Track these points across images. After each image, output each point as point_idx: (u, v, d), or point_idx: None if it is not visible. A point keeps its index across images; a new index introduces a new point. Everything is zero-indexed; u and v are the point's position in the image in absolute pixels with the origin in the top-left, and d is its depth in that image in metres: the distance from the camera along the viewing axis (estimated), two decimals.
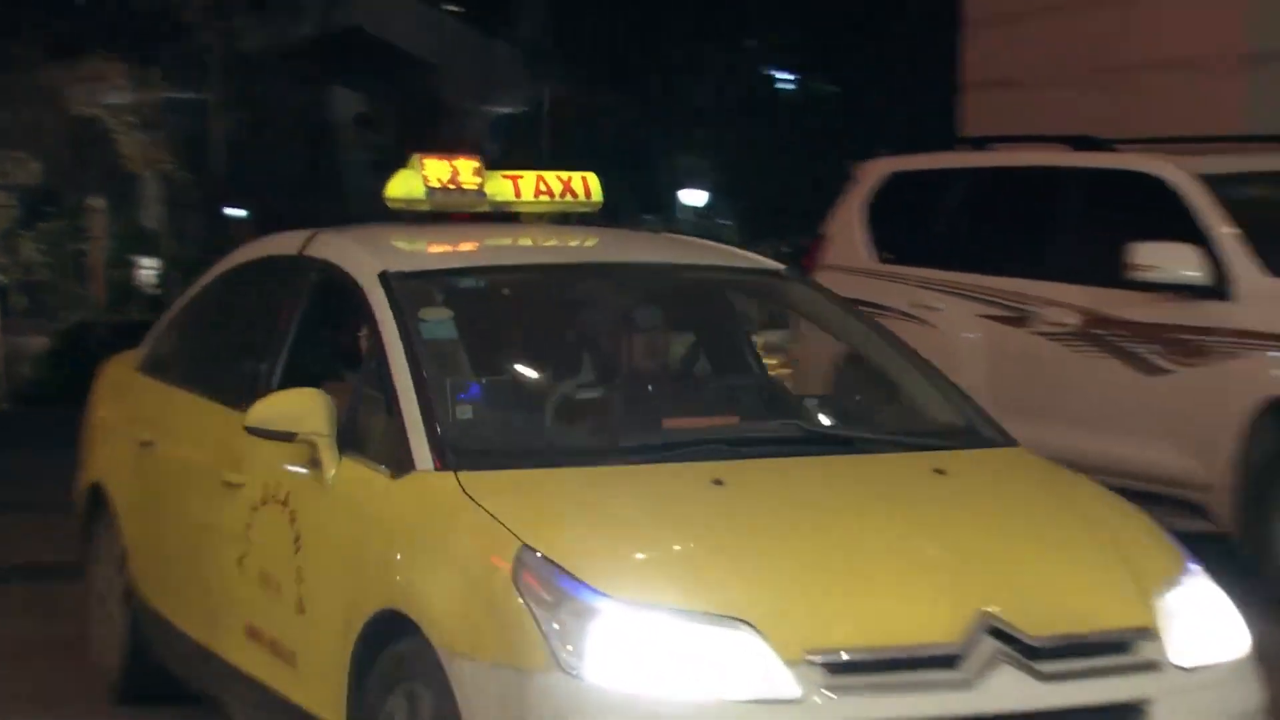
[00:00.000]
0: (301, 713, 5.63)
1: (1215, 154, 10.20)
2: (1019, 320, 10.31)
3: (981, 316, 10.51)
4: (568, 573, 4.78)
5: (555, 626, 4.70)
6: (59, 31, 24.93)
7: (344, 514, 5.59)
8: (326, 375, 6.48)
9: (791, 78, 26.77)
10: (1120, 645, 4.83)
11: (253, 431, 5.78)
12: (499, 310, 6.39)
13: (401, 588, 5.14)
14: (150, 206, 28.32)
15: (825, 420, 6.06)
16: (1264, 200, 9.71)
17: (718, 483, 5.22)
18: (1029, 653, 4.70)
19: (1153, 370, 9.50)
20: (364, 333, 6.34)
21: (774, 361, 7.78)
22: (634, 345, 6.22)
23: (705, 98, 24.23)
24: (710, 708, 4.55)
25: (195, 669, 6.63)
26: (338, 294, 6.44)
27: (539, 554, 4.84)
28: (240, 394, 6.47)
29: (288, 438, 5.73)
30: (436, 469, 5.34)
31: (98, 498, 7.60)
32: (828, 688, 4.58)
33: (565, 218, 7.03)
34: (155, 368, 7.54)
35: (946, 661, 4.66)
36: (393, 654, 5.11)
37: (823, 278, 9.76)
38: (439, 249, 6.57)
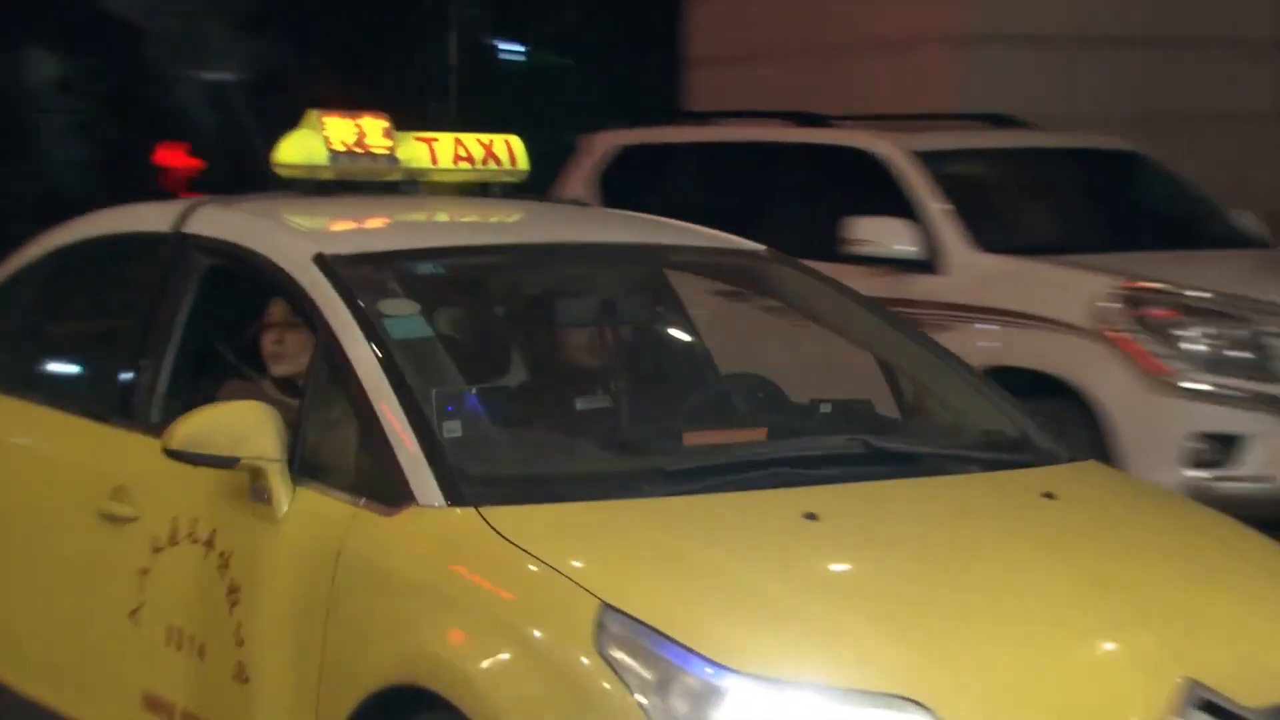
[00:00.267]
0: None
1: (928, 131, 10.26)
2: (741, 295, 9.78)
3: (705, 292, 9.96)
4: (674, 641, 3.66)
5: (660, 711, 3.55)
6: None
7: (308, 560, 4.36)
8: (226, 379, 5.18)
9: (519, 49, 25.62)
10: None
11: (177, 456, 4.48)
12: (467, 302, 5.16)
13: (425, 657, 3.95)
14: None
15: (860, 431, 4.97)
16: (973, 177, 9.83)
17: (811, 517, 4.12)
18: None
19: None
20: (274, 330, 5.08)
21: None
22: (621, 341, 5.06)
23: (425, 68, 22.96)
24: None
25: None
26: (240, 282, 5.16)
27: (630, 617, 3.69)
28: (113, 405, 5.18)
29: (226, 464, 4.44)
30: (448, 504, 4.13)
31: None
32: None
33: (483, 189, 5.81)
34: None
35: None
36: None
37: None
38: (375, 226, 5.31)
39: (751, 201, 10.16)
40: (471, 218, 5.53)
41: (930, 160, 9.48)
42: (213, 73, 23.54)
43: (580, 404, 4.80)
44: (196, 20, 22.94)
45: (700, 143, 11.11)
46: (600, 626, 3.70)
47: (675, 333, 5.49)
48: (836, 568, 4.02)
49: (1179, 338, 8.61)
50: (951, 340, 8.18)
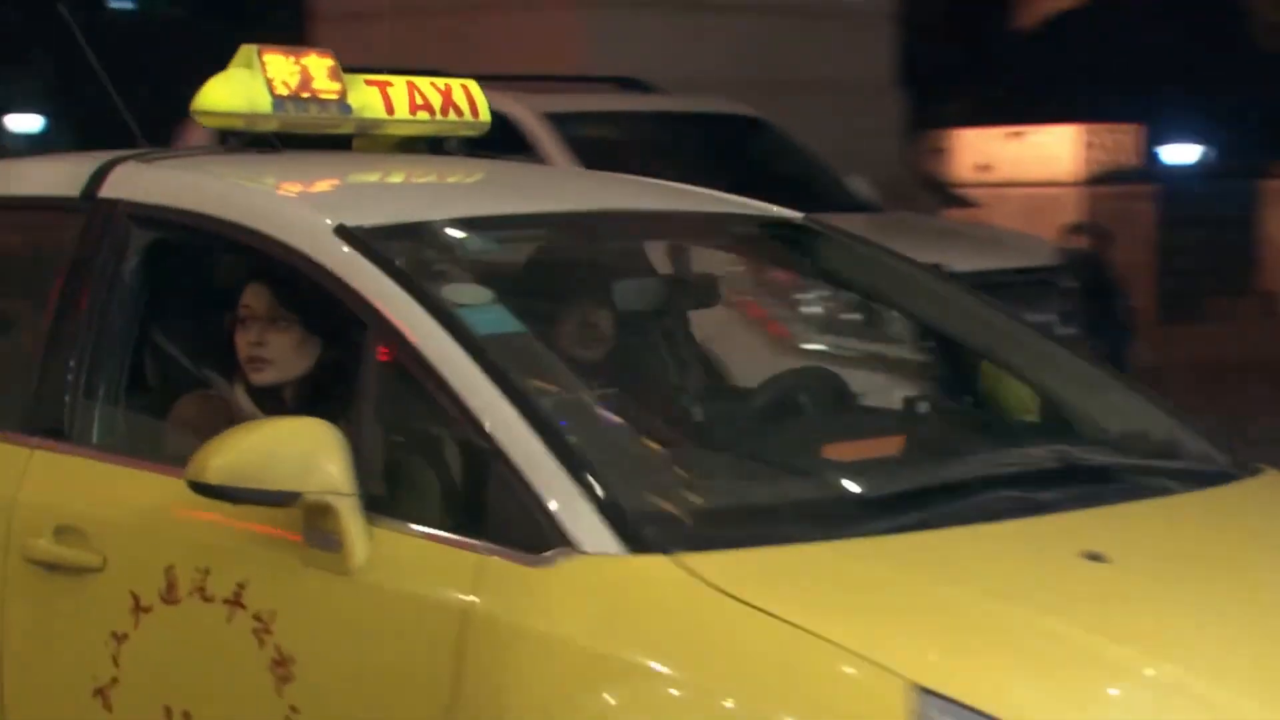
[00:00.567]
0: None
1: (558, 93, 10.25)
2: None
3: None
4: None
5: None
6: None
7: (412, 623, 3.30)
8: (181, 389, 4.02)
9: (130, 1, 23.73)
10: None
11: (214, 493, 3.34)
12: (530, 284, 4.04)
13: None
14: None
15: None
16: (602, 139, 9.78)
17: (1094, 558, 3.21)
18: None
19: None
20: (251, 328, 3.95)
21: None
22: (690, 326, 4.08)
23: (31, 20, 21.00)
24: None
25: None
26: (191, 263, 3.99)
27: (957, 703, 2.74)
28: (21, 418, 3.93)
29: (281, 500, 3.31)
30: (628, 550, 3.11)
31: None
32: None
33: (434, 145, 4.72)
34: None
35: None
36: None
37: None
38: (387, 188, 4.18)
39: None
40: (475, 178, 4.44)
41: (560, 122, 9.42)
42: None
43: (698, 410, 3.78)
44: None
45: None
46: (922, 717, 2.75)
47: (742, 317, 4.48)
48: (1153, 621, 3.13)
49: (798, 301, 8.42)
50: None
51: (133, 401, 3.99)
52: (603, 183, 4.64)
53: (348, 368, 4.03)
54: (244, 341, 4.02)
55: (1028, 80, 24.14)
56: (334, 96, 4.45)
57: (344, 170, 4.35)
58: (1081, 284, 10.09)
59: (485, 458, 3.29)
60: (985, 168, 22.52)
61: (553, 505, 3.18)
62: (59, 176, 4.27)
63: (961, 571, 3.18)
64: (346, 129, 4.52)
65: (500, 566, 3.20)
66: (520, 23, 14.23)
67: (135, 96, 4.72)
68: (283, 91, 4.35)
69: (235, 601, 3.49)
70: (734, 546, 3.15)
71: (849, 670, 2.86)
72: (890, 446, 3.84)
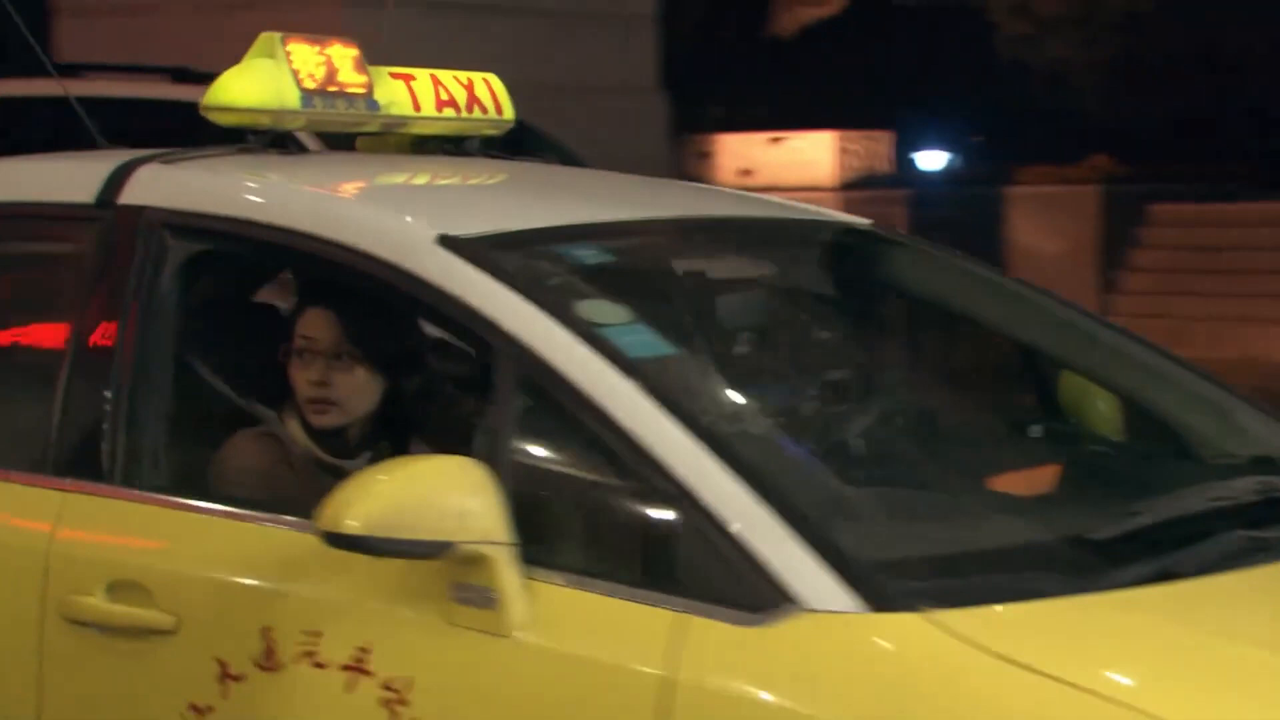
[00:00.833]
0: None
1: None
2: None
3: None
4: None
5: None
6: None
7: (597, 693, 2.81)
8: (230, 418, 3.49)
9: None
10: None
11: (356, 545, 2.82)
12: (657, 298, 3.54)
13: None
14: None
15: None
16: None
17: None
18: None
19: None
20: (313, 363, 3.45)
21: None
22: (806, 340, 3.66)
23: None
24: None
25: None
26: (242, 277, 3.49)
27: None
28: (58, 455, 3.36)
29: (433, 551, 2.81)
30: (871, 607, 2.67)
31: None
32: None
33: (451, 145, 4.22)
34: None
35: None
36: None
37: None
38: (468, 193, 3.67)
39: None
40: (538, 181, 3.95)
41: None
42: None
43: (859, 438, 3.34)
44: None
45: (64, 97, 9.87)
46: None
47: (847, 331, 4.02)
48: None
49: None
50: None
51: (177, 438, 3.44)
52: (664, 188, 4.17)
53: (417, 399, 3.55)
54: (304, 379, 3.49)
55: (787, 86, 24.07)
56: (361, 91, 3.94)
57: (404, 174, 3.84)
58: None
59: (668, 502, 2.83)
60: (747, 172, 22.45)
61: (766, 556, 2.73)
62: (59, 180, 3.70)
63: (1224, 622, 2.81)
64: (372, 127, 4.01)
65: (705, 628, 2.74)
66: (281, 18, 13.78)
67: None
68: (310, 85, 3.83)
69: (357, 668, 2.98)
70: (983, 601, 2.72)
71: None
72: (1049, 476, 3.45)
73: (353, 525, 2.82)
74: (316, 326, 3.49)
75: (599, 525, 2.95)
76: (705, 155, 23.09)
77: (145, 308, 3.42)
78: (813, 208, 4.09)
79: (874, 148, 24.46)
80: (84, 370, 3.42)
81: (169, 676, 3.16)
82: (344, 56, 3.94)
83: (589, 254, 3.38)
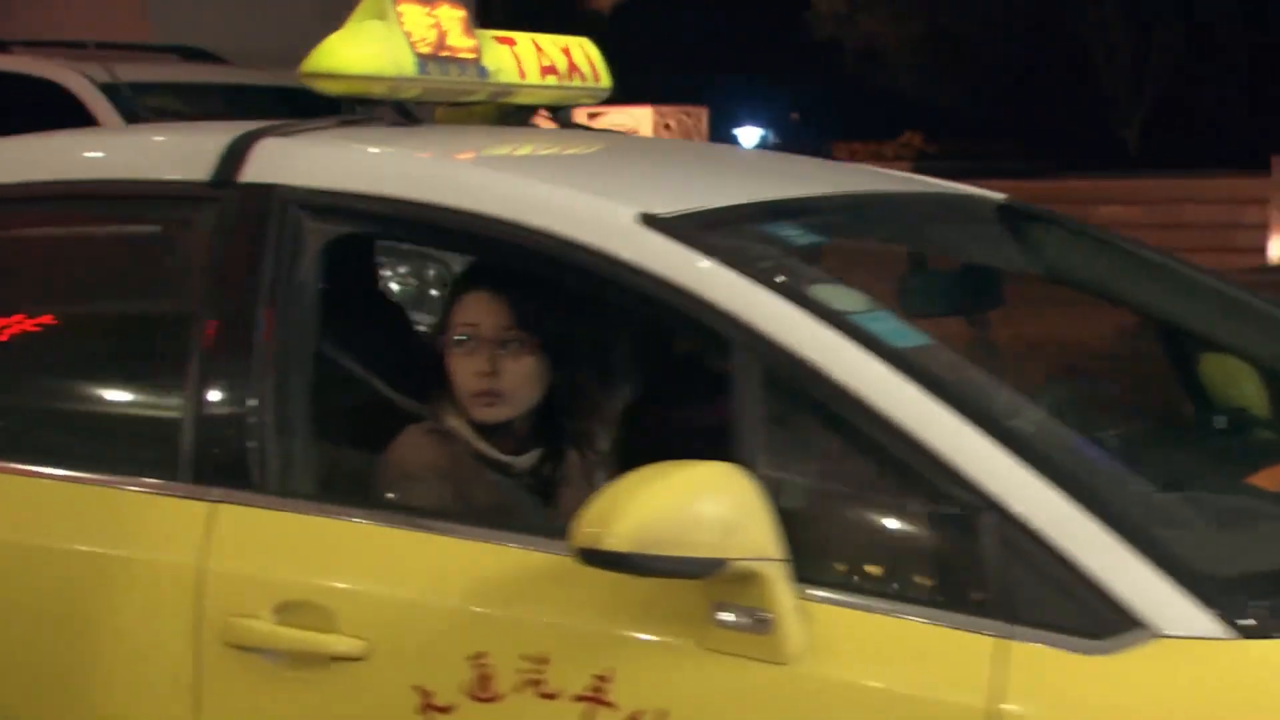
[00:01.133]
0: None
1: (118, 62, 9.39)
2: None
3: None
4: None
5: None
6: None
7: None
8: (393, 427, 3.11)
9: None
10: None
11: (619, 563, 2.47)
12: (868, 281, 3.19)
13: None
14: None
15: None
16: (163, 109, 8.97)
17: None
18: None
19: None
20: (476, 351, 3.08)
21: None
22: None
23: None
24: None
25: None
26: (385, 258, 3.11)
27: None
28: (197, 462, 2.97)
29: (704, 570, 2.48)
30: (1237, 631, 2.40)
31: None
32: None
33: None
34: None
35: None
36: None
37: None
38: (644, 166, 3.32)
39: None
40: (682, 155, 3.61)
41: (118, 92, 8.67)
42: None
43: (1112, 429, 3.04)
44: None
45: None
46: None
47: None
48: None
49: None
50: None
51: (331, 440, 3.06)
52: (792, 160, 3.83)
53: (576, 391, 3.21)
54: (468, 370, 3.12)
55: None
56: (472, 56, 3.58)
57: (555, 148, 3.48)
58: None
59: (967, 512, 2.52)
60: None
61: (1102, 574, 2.43)
62: (163, 157, 3.26)
63: None
64: (480, 95, 3.65)
65: (1034, 655, 2.43)
66: None
67: None
68: (424, 50, 3.47)
69: (596, 698, 2.63)
70: None
71: None
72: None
73: (616, 542, 2.47)
74: (481, 312, 3.13)
75: (876, 538, 2.64)
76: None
77: (285, 297, 3.03)
78: (944, 182, 3.79)
79: (691, 123, 24.28)
80: (219, 367, 3.01)
81: (359, 707, 2.79)
82: (452, 19, 3.58)
83: (795, 233, 3.06)
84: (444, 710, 2.72)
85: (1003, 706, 2.42)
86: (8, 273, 3.47)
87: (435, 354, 3.15)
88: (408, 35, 3.43)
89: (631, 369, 3.44)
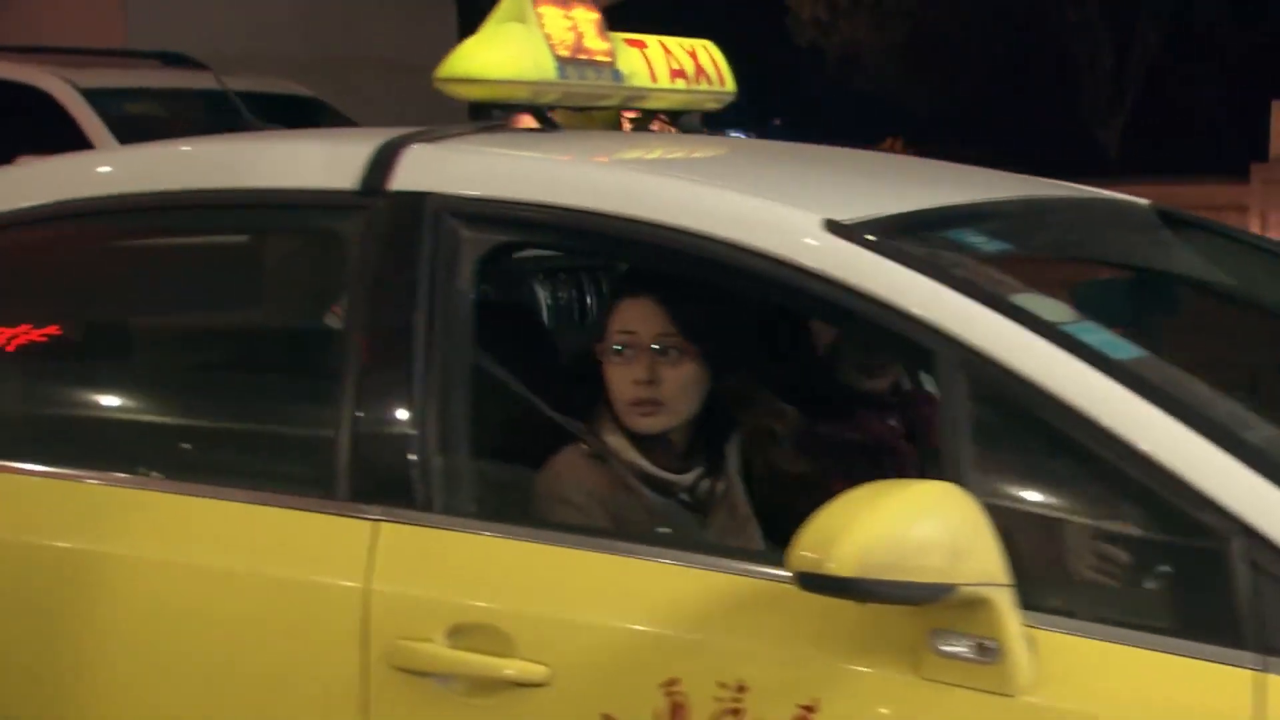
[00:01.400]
0: None
1: (99, 68, 9.46)
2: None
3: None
4: None
5: None
6: None
7: None
8: (545, 433, 2.96)
9: None
10: None
11: (842, 588, 2.32)
12: (1061, 289, 3.03)
13: None
14: None
15: None
16: (146, 115, 9.05)
17: None
18: None
19: None
20: (635, 359, 2.93)
21: None
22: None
23: None
24: None
25: None
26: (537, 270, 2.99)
27: None
28: (356, 478, 2.79)
29: (931, 596, 2.34)
30: None
31: None
32: None
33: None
34: None
35: None
36: None
37: None
38: (807, 171, 3.17)
39: None
40: (834, 160, 3.46)
41: (101, 98, 8.72)
42: None
43: None
44: None
45: None
46: None
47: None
48: None
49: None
50: None
51: (493, 456, 2.91)
52: (940, 167, 3.69)
53: (733, 402, 3.06)
54: (627, 379, 2.97)
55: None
56: (608, 60, 3.44)
57: (710, 152, 3.33)
58: None
59: (1209, 536, 2.37)
60: None
61: None
62: (307, 165, 3.10)
63: None
64: (614, 100, 3.50)
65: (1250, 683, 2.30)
66: None
67: None
68: (563, 53, 3.32)
69: None
70: None
71: None
72: None
73: (839, 567, 2.32)
74: (639, 319, 2.98)
75: (1107, 562, 2.49)
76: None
77: (443, 308, 2.87)
78: (1088, 188, 3.65)
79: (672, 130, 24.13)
80: (376, 381, 2.86)
81: None
82: (587, 20, 3.44)
83: (980, 239, 2.92)
84: None
85: None
86: (152, 284, 3.31)
87: (591, 364, 3.00)
88: (548, 38, 3.28)
89: (791, 380, 3.30)
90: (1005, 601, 2.38)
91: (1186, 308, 3.43)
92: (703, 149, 3.40)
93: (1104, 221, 3.39)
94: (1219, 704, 2.30)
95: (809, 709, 2.49)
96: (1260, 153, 18.25)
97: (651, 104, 3.57)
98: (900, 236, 2.73)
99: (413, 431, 2.81)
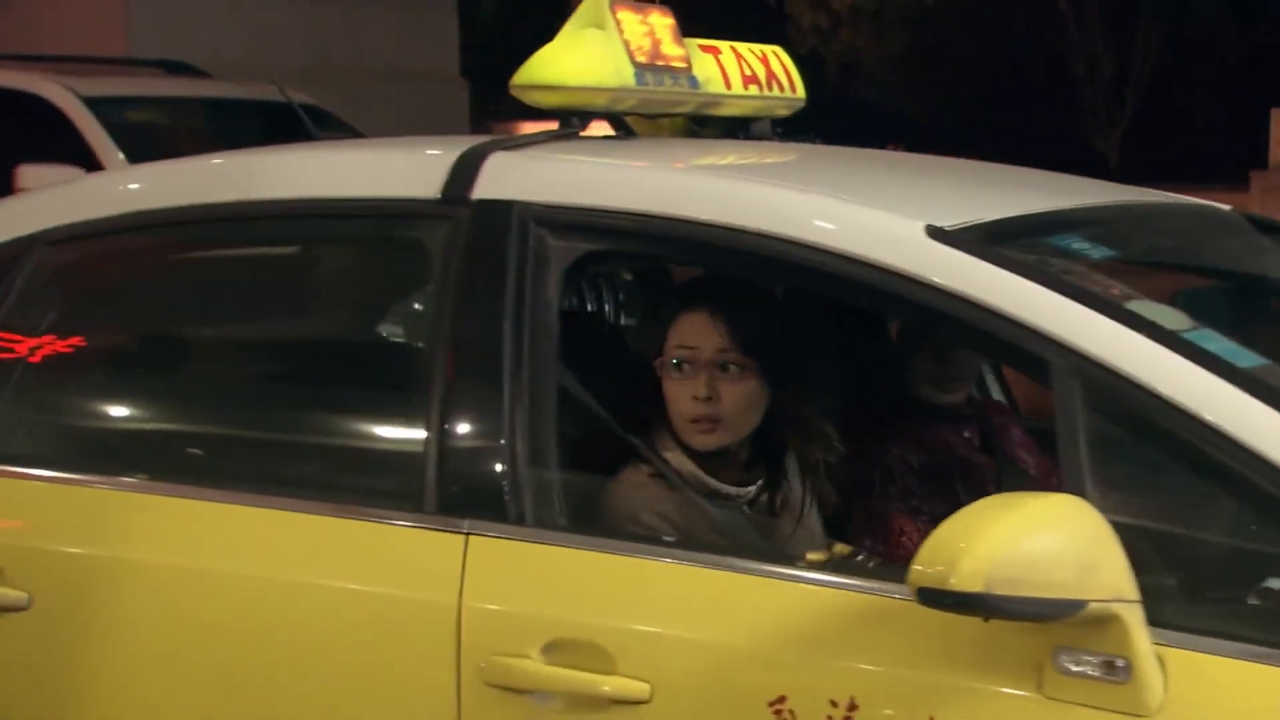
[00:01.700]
0: None
1: (101, 76, 9.32)
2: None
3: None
4: None
5: None
6: None
7: None
8: (615, 447, 2.86)
9: None
10: None
11: (966, 604, 2.23)
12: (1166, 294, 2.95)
13: None
14: None
15: None
16: (151, 125, 9.03)
17: None
18: None
19: None
20: (695, 375, 2.83)
21: None
22: None
23: None
24: None
25: None
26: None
27: None
28: (444, 490, 2.71)
29: (1061, 612, 2.25)
30: None
31: None
32: None
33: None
34: None
35: None
36: None
37: None
38: (897, 177, 3.10)
39: None
40: (907, 166, 3.38)
41: (103, 106, 8.61)
42: None
43: None
44: None
45: None
46: None
47: None
48: None
49: None
50: None
51: (576, 470, 2.82)
52: (1023, 173, 3.60)
53: (793, 417, 2.97)
54: (686, 395, 2.88)
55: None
56: (684, 65, 3.35)
57: (790, 158, 3.25)
58: None
59: None
60: None
61: None
62: (388, 173, 3.01)
63: None
64: (689, 106, 3.41)
65: None
66: (62, 3, 13.14)
67: None
68: (642, 60, 3.23)
69: None
70: None
71: None
72: None
73: (965, 582, 2.24)
74: (699, 334, 2.89)
75: (1231, 577, 2.41)
76: None
77: (531, 317, 2.78)
78: (1168, 193, 3.56)
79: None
80: (464, 392, 2.77)
81: None
82: (663, 26, 3.35)
83: (1085, 245, 2.84)
84: None
85: None
86: (234, 296, 3.23)
87: (651, 379, 2.91)
88: (626, 44, 3.19)
89: (862, 396, 3.21)
90: (1135, 618, 2.29)
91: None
92: (787, 155, 3.31)
93: (1198, 227, 3.30)
94: None
95: None
96: (1260, 161, 18.16)
97: (725, 111, 3.49)
98: (1003, 243, 2.65)
99: (502, 443, 2.72)
